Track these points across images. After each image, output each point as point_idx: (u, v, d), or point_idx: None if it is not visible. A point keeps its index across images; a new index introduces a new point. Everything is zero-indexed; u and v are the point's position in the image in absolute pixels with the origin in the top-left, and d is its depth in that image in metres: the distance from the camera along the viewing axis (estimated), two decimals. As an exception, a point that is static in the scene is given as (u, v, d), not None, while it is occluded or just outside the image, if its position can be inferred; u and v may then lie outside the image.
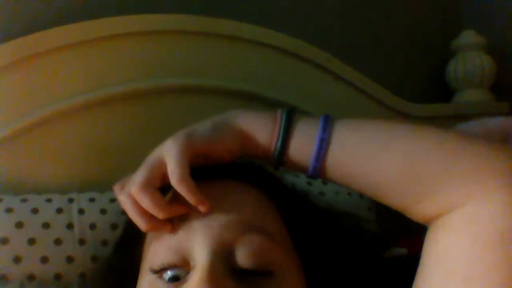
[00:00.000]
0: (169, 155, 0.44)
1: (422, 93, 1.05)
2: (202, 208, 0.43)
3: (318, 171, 0.45)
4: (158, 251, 0.44)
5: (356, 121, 0.46)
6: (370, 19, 1.03)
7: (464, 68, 1.03)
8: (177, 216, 0.44)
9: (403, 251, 0.67)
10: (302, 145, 0.45)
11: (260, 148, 0.47)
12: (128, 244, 0.51)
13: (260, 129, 0.46)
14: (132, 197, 0.44)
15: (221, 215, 0.44)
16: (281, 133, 0.46)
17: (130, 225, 0.53)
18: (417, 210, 0.43)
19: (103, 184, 0.68)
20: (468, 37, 1.04)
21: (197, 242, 0.43)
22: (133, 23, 0.73)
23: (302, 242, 0.47)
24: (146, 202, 0.43)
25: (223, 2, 0.87)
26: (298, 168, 0.47)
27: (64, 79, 0.69)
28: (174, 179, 0.43)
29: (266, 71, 0.83)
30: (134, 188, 0.43)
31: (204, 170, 0.47)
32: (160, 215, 0.44)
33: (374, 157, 0.43)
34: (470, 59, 1.03)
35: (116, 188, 0.47)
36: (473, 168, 0.41)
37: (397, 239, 0.70)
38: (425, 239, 0.43)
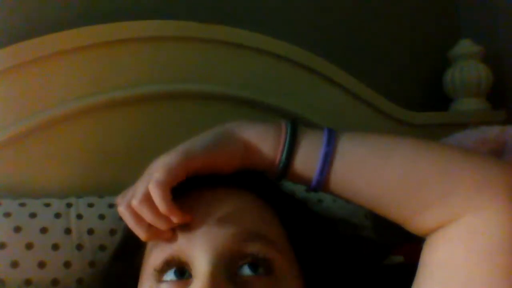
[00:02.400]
0: (161, 167, 0.44)
1: (420, 101, 1.05)
2: (174, 219, 0.43)
3: (321, 184, 0.45)
4: (159, 260, 0.44)
5: (358, 135, 0.47)
6: (369, 28, 1.04)
7: (461, 77, 1.04)
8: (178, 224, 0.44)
9: (399, 258, 0.67)
10: (307, 158, 0.45)
11: (263, 161, 0.47)
12: (128, 251, 0.51)
13: (264, 141, 0.46)
14: (132, 208, 0.44)
15: (222, 223, 0.44)
16: (286, 146, 0.46)
17: (130, 232, 0.53)
18: (417, 222, 0.44)
19: (102, 189, 0.68)
20: (465, 46, 1.05)
21: (198, 250, 0.43)
22: (133, 29, 0.74)
23: (301, 248, 0.47)
24: (147, 214, 0.43)
25: (224, 9, 0.88)
26: (301, 181, 0.47)
27: (63, 84, 0.70)
28: (152, 183, 0.43)
29: (266, 78, 0.84)
30: (135, 201, 0.43)
31: (204, 177, 0.47)
32: (162, 226, 0.44)
33: (375, 170, 0.44)
34: (467, 68, 1.03)
35: (118, 200, 0.47)
36: (471, 180, 0.42)
37: (394, 247, 0.70)
38: (422, 249, 0.44)
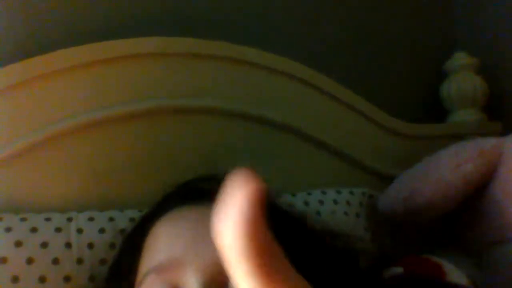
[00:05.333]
0: None
1: (416, 113, 1.06)
2: None
3: None
4: (154, 284, 0.45)
5: None
6: (366, 42, 1.05)
7: (457, 89, 1.05)
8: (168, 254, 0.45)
9: (399, 270, 0.67)
10: None
11: None
12: (122, 271, 0.51)
13: None
14: None
15: (211, 245, 0.44)
16: None
17: (124, 252, 0.53)
18: None
19: (102, 203, 0.69)
20: (461, 58, 1.06)
21: (188, 275, 0.43)
22: (135, 46, 0.75)
23: (298, 267, 0.47)
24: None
25: (226, 25, 0.89)
26: None
27: (64, 101, 0.70)
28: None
29: (267, 93, 0.85)
30: None
31: (193, 192, 0.47)
32: None
33: None
34: (463, 80, 1.05)
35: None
36: None
37: (393, 259, 0.70)
38: None
